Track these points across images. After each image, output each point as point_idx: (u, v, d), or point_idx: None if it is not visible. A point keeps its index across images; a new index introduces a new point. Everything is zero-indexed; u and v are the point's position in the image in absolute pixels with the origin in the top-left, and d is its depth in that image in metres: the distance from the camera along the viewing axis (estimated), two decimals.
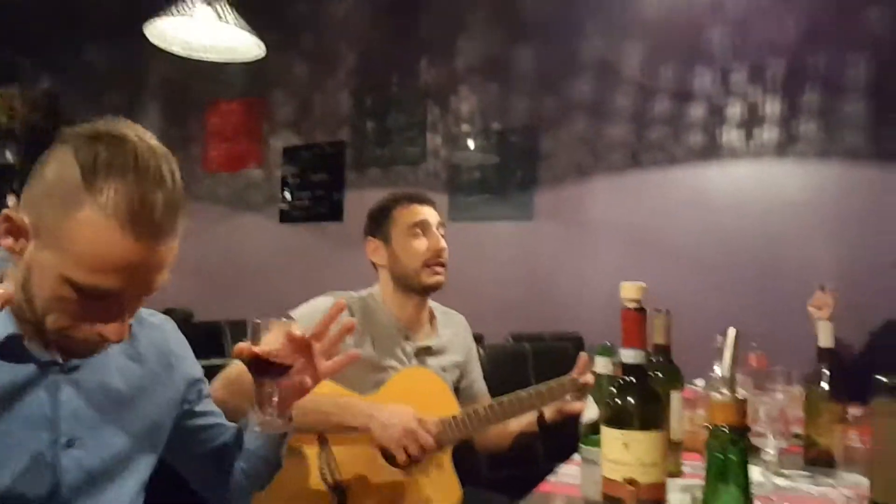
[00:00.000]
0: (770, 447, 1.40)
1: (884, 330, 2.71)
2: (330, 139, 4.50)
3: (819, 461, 1.49)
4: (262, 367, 1.08)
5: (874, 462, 0.41)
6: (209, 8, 2.77)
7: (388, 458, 1.66)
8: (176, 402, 1.16)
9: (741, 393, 1.39)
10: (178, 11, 2.76)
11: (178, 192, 0.90)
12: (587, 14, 3.82)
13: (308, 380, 1.13)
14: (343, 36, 4.50)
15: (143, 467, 1.10)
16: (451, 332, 1.96)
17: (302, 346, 1.11)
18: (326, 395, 1.61)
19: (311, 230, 4.51)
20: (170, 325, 1.19)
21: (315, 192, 4.50)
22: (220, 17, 2.77)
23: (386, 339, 1.82)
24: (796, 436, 1.57)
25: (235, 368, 1.53)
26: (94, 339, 0.92)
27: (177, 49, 3.12)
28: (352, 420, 1.60)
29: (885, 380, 0.39)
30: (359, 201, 4.27)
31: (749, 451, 1.40)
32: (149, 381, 1.10)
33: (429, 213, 1.87)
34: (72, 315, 0.89)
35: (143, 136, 0.90)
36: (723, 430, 0.51)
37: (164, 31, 3.01)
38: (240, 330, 3.67)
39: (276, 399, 1.10)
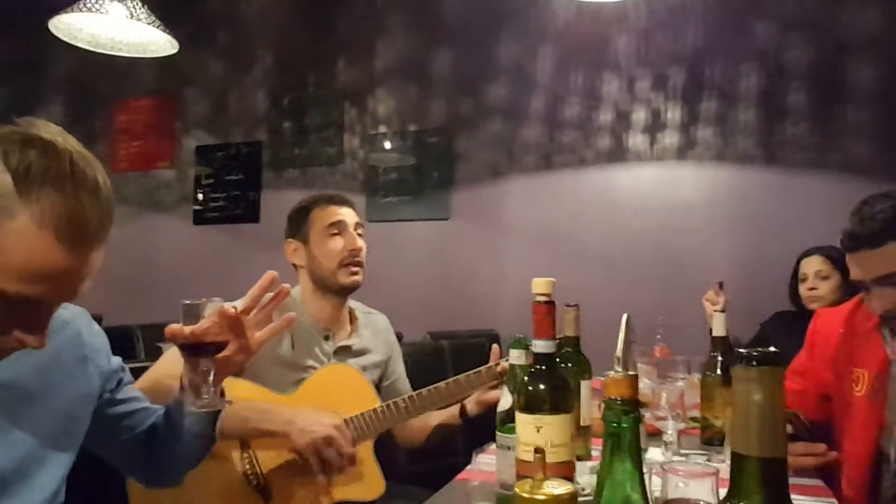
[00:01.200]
0: (670, 429, 1.52)
1: (773, 321, 2.94)
2: (246, 139, 4.44)
3: (714, 441, 1.64)
4: (196, 347, 1.09)
5: (732, 419, 0.49)
6: (120, 4, 2.69)
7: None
8: (92, 395, 1.14)
9: (642, 391, 1.50)
10: (87, 7, 2.67)
11: (110, 200, 0.89)
12: (502, 21, 3.93)
13: (241, 354, 1.15)
14: (259, 34, 4.44)
15: (59, 464, 1.07)
16: (372, 332, 2.00)
17: (234, 322, 1.12)
18: (246, 400, 1.62)
19: (226, 231, 4.44)
20: (84, 318, 1.16)
21: (230, 193, 4.42)
22: (131, 14, 2.70)
23: (305, 339, 1.84)
24: (693, 419, 1.70)
25: (150, 378, 1.53)
26: (12, 345, 0.89)
27: (84, 44, 3.01)
28: (271, 425, 1.60)
29: (742, 351, 0.47)
30: (276, 202, 4.24)
31: (648, 435, 1.51)
32: (60, 377, 1.07)
33: (346, 214, 1.91)
34: None
35: (73, 141, 0.87)
36: (616, 402, 0.58)
37: (71, 26, 2.90)
38: (153, 334, 3.58)
39: (212, 377, 1.11)
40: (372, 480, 1.75)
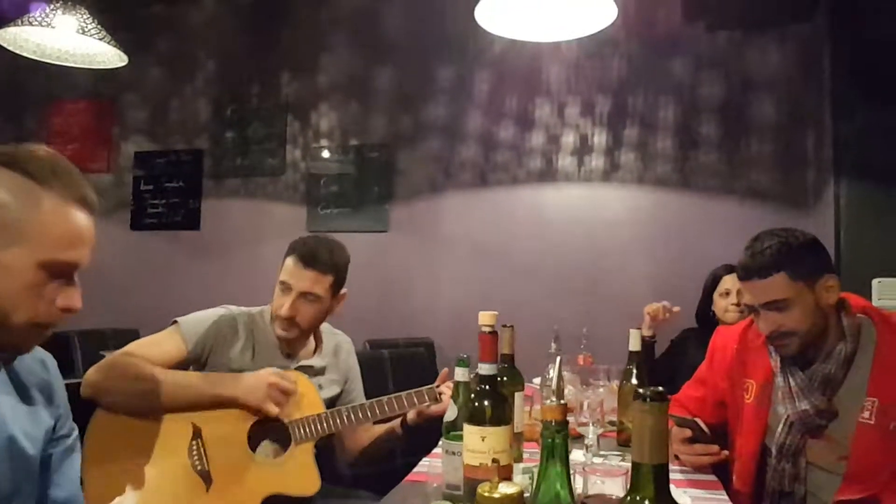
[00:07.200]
0: (591, 433, 1.74)
1: (682, 336, 3.21)
2: (187, 147, 4.47)
3: (629, 443, 1.85)
4: None
5: (632, 438, 0.69)
6: (71, 18, 2.73)
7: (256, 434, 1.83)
8: (47, 433, 1.19)
9: (566, 397, 1.71)
10: (37, 21, 2.69)
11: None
12: (442, 44, 4.12)
13: None
14: (202, 44, 4.49)
15: (25, 498, 1.14)
16: (334, 351, 2.15)
17: None
18: (195, 374, 1.84)
19: (166, 238, 4.45)
20: (51, 362, 1.26)
21: (170, 200, 4.44)
22: (82, 29, 2.74)
23: (266, 355, 1.98)
24: (612, 423, 1.93)
25: (111, 358, 1.75)
26: (56, 315, 1.06)
27: (30, 54, 3.01)
28: (222, 391, 1.78)
29: (639, 391, 0.67)
30: (217, 210, 4.30)
31: (571, 438, 1.72)
32: (30, 415, 1.16)
33: None
34: (39, 298, 1.04)
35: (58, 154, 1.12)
36: (551, 423, 0.78)
37: (17, 37, 2.92)
38: (91, 340, 3.58)
39: None
40: (308, 478, 1.85)
